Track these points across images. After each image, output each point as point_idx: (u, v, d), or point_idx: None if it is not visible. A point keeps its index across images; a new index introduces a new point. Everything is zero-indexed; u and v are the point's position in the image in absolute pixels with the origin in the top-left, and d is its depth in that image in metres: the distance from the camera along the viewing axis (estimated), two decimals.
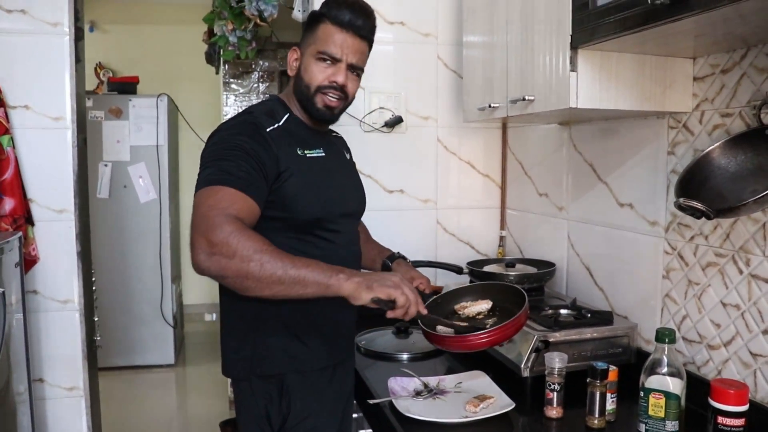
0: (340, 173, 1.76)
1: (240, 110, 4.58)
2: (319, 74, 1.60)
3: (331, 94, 1.62)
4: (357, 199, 1.80)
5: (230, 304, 1.65)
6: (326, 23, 1.59)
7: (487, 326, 1.60)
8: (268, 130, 1.55)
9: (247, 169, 1.44)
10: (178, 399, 4.65)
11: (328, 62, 1.60)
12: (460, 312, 1.76)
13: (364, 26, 1.61)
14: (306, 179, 1.57)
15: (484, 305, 1.75)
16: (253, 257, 1.30)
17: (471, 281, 2.26)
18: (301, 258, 1.36)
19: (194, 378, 4.94)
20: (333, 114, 1.66)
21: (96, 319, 3.11)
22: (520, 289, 1.68)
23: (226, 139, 1.51)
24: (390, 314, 1.42)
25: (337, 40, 1.59)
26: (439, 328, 1.61)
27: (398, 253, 1.91)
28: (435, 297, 1.77)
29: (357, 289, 1.35)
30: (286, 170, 1.53)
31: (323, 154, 1.66)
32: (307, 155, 1.61)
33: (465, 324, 1.64)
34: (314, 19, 1.62)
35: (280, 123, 1.60)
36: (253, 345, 1.61)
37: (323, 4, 1.62)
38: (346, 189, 1.76)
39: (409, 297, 1.40)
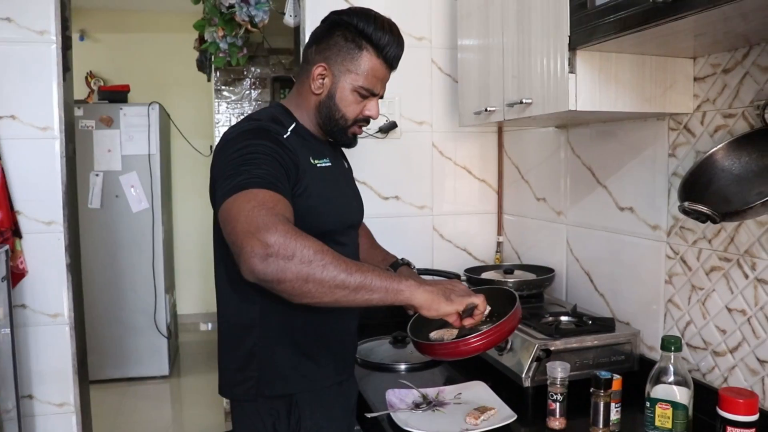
0: (345, 183, 1.71)
1: (233, 117, 4.55)
2: (357, 107, 1.55)
3: (363, 125, 1.61)
4: (359, 209, 1.76)
5: (231, 318, 1.57)
6: (371, 54, 1.51)
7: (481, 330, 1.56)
8: (284, 136, 1.47)
9: (275, 173, 1.34)
10: (173, 411, 4.59)
11: (367, 96, 1.55)
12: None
13: (400, 58, 1.57)
14: (320, 191, 1.50)
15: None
16: (314, 259, 1.18)
17: (468, 286, 2.22)
18: (363, 263, 1.27)
19: (189, 389, 4.88)
20: (356, 142, 1.66)
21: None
22: (511, 291, 1.62)
23: (246, 146, 1.38)
24: (468, 322, 1.39)
25: (381, 76, 1.55)
26: (432, 335, 1.57)
27: (403, 259, 1.86)
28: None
29: (433, 299, 1.30)
30: (301, 180, 1.45)
31: (330, 164, 1.59)
32: (318, 165, 1.54)
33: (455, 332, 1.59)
34: (353, 39, 1.51)
35: (289, 130, 1.52)
36: (260, 365, 1.53)
37: (363, 22, 1.50)
38: (351, 199, 1.72)
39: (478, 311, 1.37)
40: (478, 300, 1.37)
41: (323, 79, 1.54)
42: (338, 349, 1.64)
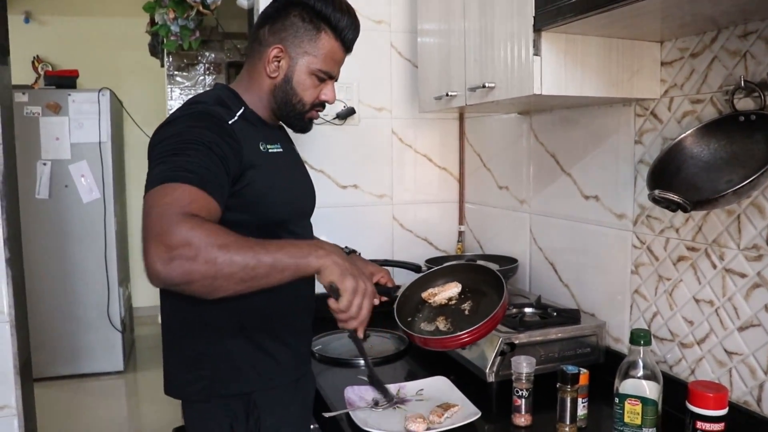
0: (297, 170, 1.64)
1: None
2: (314, 91, 1.50)
3: (319, 110, 1.56)
4: (312, 197, 1.68)
5: (177, 316, 1.49)
6: (330, 36, 1.47)
7: (465, 311, 1.59)
8: (229, 122, 1.38)
9: (208, 164, 1.25)
10: (129, 407, 4.46)
11: (324, 79, 1.50)
12: (429, 300, 1.67)
13: (356, 41, 1.53)
14: (270, 178, 1.43)
15: (454, 289, 1.66)
16: (218, 254, 1.12)
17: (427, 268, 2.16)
18: (272, 241, 1.21)
19: (146, 384, 4.75)
20: (311, 126, 1.59)
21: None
22: (489, 268, 1.58)
23: (181, 132, 1.30)
24: (333, 305, 1.27)
25: (339, 59, 1.51)
26: (423, 326, 1.58)
27: (346, 247, 1.80)
28: (398, 295, 1.67)
29: (331, 266, 1.23)
30: (250, 167, 1.37)
31: (281, 150, 1.52)
32: (269, 151, 1.47)
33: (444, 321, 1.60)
34: (311, 20, 1.45)
35: (237, 115, 1.43)
36: (214, 363, 1.45)
37: (321, 2, 1.44)
38: (303, 186, 1.64)
39: (353, 310, 1.27)
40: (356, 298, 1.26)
41: (279, 61, 1.46)
42: (295, 344, 1.57)
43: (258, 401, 1.48)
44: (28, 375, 2.51)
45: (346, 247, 1.80)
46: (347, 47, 1.51)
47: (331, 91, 1.53)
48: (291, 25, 1.45)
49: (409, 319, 1.67)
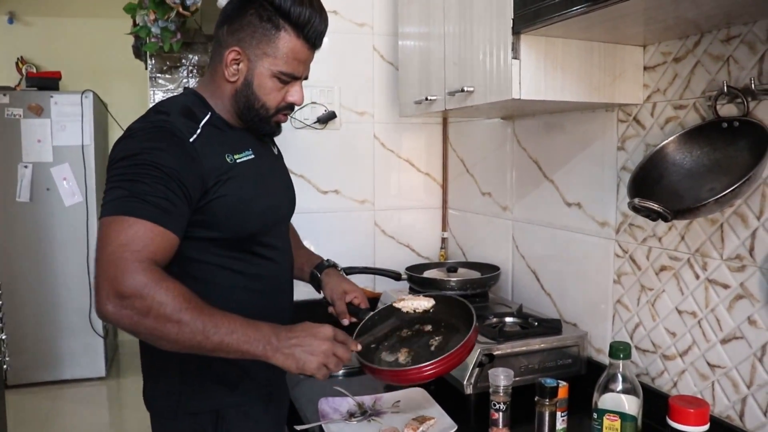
0: (272, 175, 1.54)
1: None
2: (278, 94, 1.40)
3: (287, 113, 1.47)
4: (289, 202, 1.61)
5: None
6: (290, 34, 1.35)
7: (432, 347, 1.48)
8: (191, 140, 1.30)
9: (165, 193, 1.21)
10: (111, 414, 4.39)
11: (288, 81, 1.40)
12: (398, 306, 1.58)
13: (324, 35, 1.42)
14: (237, 192, 1.36)
15: (425, 302, 1.56)
16: (170, 318, 1.14)
17: (410, 287, 2.12)
18: (226, 317, 1.20)
19: (128, 391, 4.68)
20: (280, 129, 1.51)
21: (3, 337, 2.86)
22: (467, 304, 1.51)
23: (139, 154, 1.24)
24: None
25: (303, 58, 1.40)
26: (384, 356, 1.48)
27: (328, 260, 1.73)
28: (369, 317, 1.60)
29: (287, 365, 1.24)
30: (214, 185, 1.31)
31: (252, 156, 1.43)
32: (237, 161, 1.38)
33: (405, 354, 1.49)
34: (269, 18, 1.34)
35: (202, 125, 1.34)
36: (183, 376, 1.40)
37: (281, 1, 1.33)
38: (279, 193, 1.56)
39: (331, 370, 1.28)
40: (320, 374, 1.27)
41: (237, 64, 1.37)
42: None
43: (228, 416, 1.43)
44: (0, 382, 2.45)
45: (327, 260, 1.74)
46: (313, 44, 1.40)
47: (298, 93, 1.43)
48: (248, 25, 1.35)
49: (372, 345, 1.56)
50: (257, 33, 1.35)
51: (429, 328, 1.56)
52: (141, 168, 1.22)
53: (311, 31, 1.37)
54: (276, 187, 1.55)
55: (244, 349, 1.20)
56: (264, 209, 1.45)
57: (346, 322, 1.63)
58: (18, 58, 5.54)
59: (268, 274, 1.48)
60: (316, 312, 1.61)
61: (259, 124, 1.45)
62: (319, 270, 1.70)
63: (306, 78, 1.46)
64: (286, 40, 1.36)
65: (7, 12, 5.51)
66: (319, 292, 1.71)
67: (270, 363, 1.23)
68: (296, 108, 1.50)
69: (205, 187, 1.30)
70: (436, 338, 1.51)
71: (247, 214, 1.39)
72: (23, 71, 5.46)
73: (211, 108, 1.41)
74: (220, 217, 1.33)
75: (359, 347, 1.38)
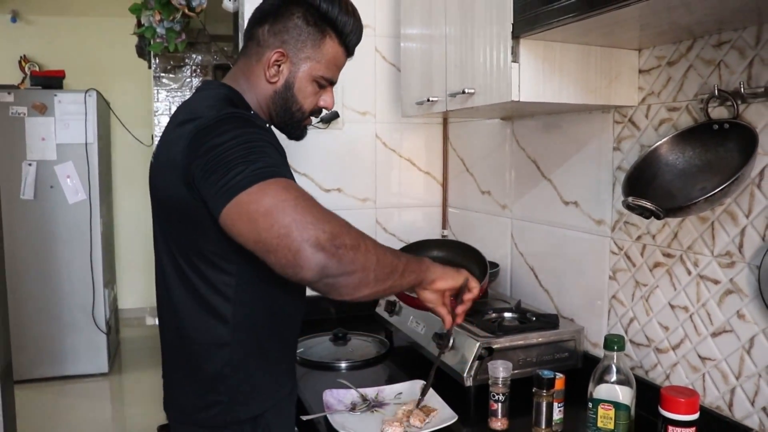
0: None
1: (172, 106, 4.41)
2: (313, 98, 1.42)
3: (315, 117, 1.49)
4: None
5: (197, 336, 1.34)
6: (334, 41, 1.38)
7: None
8: (267, 125, 1.32)
9: (283, 162, 1.22)
10: (113, 409, 4.44)
11: (325, 86, 1.42)
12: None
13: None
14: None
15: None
16: (373, 246, 1.13)
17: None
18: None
19: (130, 386, 4.73)
20: (306, 133, 1.51)
21: None
22: (479, 251, 1.81)
23: (240, 134, 1.15)
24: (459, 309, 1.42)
25: (341, 64, 1.43)
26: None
27: None
28: None
29: (447, 271, 1.34)
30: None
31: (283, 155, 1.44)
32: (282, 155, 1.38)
33: None
34: (315, 23, 1.35)
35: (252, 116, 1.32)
36: (230, 386, 1.34)
37: (328, 3, 1.34)
38: None
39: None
40: (474, 283, 1.39)
41: (279, 66, 1.36)
42: (291, 354, 1.52)
43: (267, 419, 1.40)
44: (8, 377, 2.50)
45: None
46: (350, 52, 1.43)
47: (331, 97, 1.45)
48: (294, 27, 1.34)
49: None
50: (302, 36, 1.35)
51: None
52: (248, 145, 1.14)
53: (352, 39, 1.41)
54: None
55: (416, 267, 1.26)
56: None
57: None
58: (21, 57, 5.58)
59: None
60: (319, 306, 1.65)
61: (291, 127, 1.45)
62: None
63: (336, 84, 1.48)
64: (330, 46, 1.37)
65: (10, 11, 5.55)
66: None
67: (431, 277, 1.31)
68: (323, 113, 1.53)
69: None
70: None
71: None
72: (26, 70, 5.50)
73: (250, 105, 1.39)
74: None
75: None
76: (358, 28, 1.41)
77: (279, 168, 1.13)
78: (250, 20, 1.42)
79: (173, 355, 1.43)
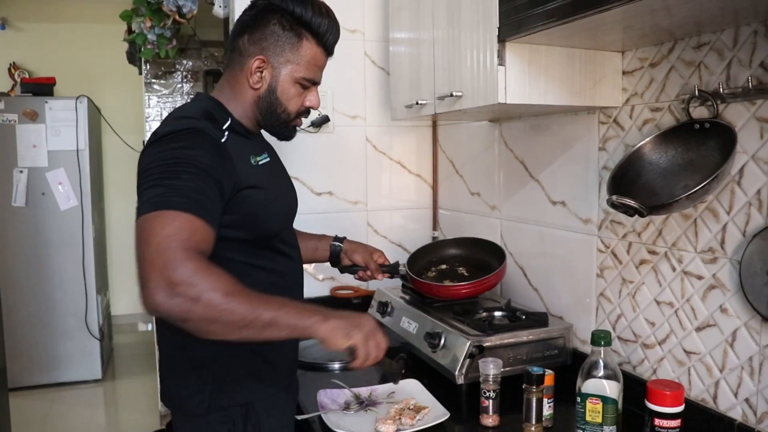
0: (283, 177, 1.62)
1: (164, 111, 4.42)
2: (298, 99, 1.48)
3: (304, 117, 1.55)
4: (296, 202, 1.68)
5: (177, 336, 1.40)
6: (311, 42, 1.45)
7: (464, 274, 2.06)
8: (222, 141, 1.35)
9: (203, 188, 1.24)
10: (107, 416, 4.43)
11: (308, 87, 1.49)
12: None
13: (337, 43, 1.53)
14: (263, 193, 1.42)
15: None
16: (221, 302, 1.14)
17: (402, 285, 2.19)
18: (273, 298, 1.23)
19: (124, 392, 4.73)
20: (296, 133, 1.57)
21: None
22: (494, 242, 2.02)
23: (174, 151, 1.27)
24: (351, 365, 1.33)
25: (321, 64, 1.49)
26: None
27: (336, 236, 1.93)
28: (402, 268, 2.03)
29: (334, 334, 1.25)
30: (244, 187, 1.36)
31: (269, 159, 1.51)
32: (259, 163, 1.45)
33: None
34: (291, 27, 1.42)
35: (225, 129, 1.39)
36: (214, 374, 1.42)
37: (300, 7, 1.42)
38: (290, 193, 1.63)
39: (371, 353, 1.31)
40: (363, 353, 1.30)
41: (261, 72, 1.43)
42: (287, 348, 1.56)
43: (256, 407, 1.46)
44: (3, 383, 2.51)
45: (335, 236, 1.93)
46: (329, 51, 1.50)
47: (315, 97, 1.52)
48: (271, 34, 1.42)
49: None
50: (280, 41, 1.42)
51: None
52: (177, 166, 1.24)
53: (329, 39, 1.47)
54: (288, 188, 1.62)
55: (293, 323, 1.22)
56: (283, 208, 1.53)
57: (380, 278, 1.93)
58: (11, 64, 5.58)
59: (287, 270, 1.54)
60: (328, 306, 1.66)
61: (279, 128, 1.52)
62: (339, 241, 1.91)
63: (319, 84, 1.54)
64: (308, 48, 1.44)
65: (0, 18, 5.55)
66: (334, 265, 1.95)
67: (317, 337, 1.24)
68: (311, 112, 1.59)
69: (236, 187, 1.34)
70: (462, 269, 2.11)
71: (270, 213, 1.45)
72: (16, 77, 5.50)
73: (230, 114, 1.46)
74: (248, 217, 1.38)
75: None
76: (333, 28, 1.47)
77: (184, 197, 1.20)
78: (232, 33, 1.50)
79: (164, 346, 1.49)
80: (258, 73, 1.43)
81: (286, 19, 1.42)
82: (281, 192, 1.55)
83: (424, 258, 2.16)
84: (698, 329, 1.45)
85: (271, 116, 1.48)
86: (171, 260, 1.13)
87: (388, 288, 2.25)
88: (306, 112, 1.53)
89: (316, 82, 1.50)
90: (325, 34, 1.45)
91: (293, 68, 1.44)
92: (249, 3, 1.48)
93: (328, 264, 1.95)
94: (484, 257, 2.08)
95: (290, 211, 1.61)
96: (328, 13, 1.46)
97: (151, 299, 1.12)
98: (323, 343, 1.25)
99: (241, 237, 1.40)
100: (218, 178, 1.28)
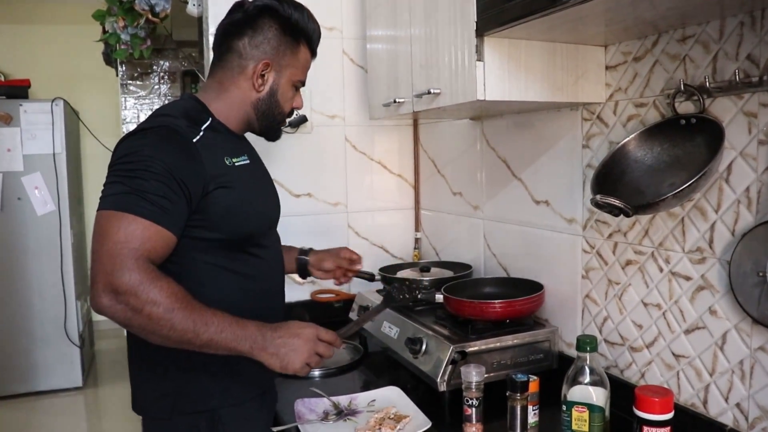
0: (264, 180, 1.62)
1: (141, 114, 4.35)
2: (291, 101, 1.56)
3: (288, 118, 1.63)
4: (278, 207, 1.66)
5: (142, 340, 1.39)
6: (305, 49, 1.53)
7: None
8: (194, 140, 1.35)
9: (165, 191, 1.26)
10: (89, 424, 4.35)
11: (299, 88, 1.57)
12: None
13: None
14: (237, 193, 1.41)
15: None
16: (163, 317, 1.20)
17: (383, 288, 2.13)
18: (216, 316, 1.26)
19: (106, 400, 4.64)
20: (281, 134, 1.65)
21: None
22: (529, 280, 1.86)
23: (144, 152, 1.28)
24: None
25: (309, 66, 1.58)
26: None
27: (303, 247, 1.91)
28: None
29: (271, 362, 1.31)
30: (215, 187, 1.36)
31: (248, 161, 1.51)
32: (235, 164, 1.44)
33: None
34: (291, 33, 1.49)
35: (203, 128, 1.40)
36: (177, 379, 1.42)
37: (298, 14, 1.49)
38: (271, 197, 1.63)
39: (314, 364, 1.37)
40: (304, 371, 1.36)
41: (267, 77, 1.48)
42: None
43: (223, 417, 1.44)
44: None
45: (301, 248, 1.88)
46: (315, 55, 1.58)
47: (300, 99, 1.59)
48: (273, 38, 1.47)
49: None
50: (282, 47, 1.48)
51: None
52: (142, 165, 1.26)
53: (316, 44, 1.56)
54: (268, 192, 1.61)
55: (231, 347, 1.27)
56: (260, 211, 1.52)
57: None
58: None
59: (262, 275, 1.53)
60: (293, 313, 1.63)
61: (272, 129, 1.58)
62: (305, 255, 1.88)
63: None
64: (304, 52, 1.53)
65: None
66: (304, 278, 1.93)
67: (255, 360, 1.30)
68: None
69: (206, 187, 1.34)
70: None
71: (245, 215, 1.44)
72: None
73: (212, 114, 1.47)
74: (220, 217, 1.37)
75: (342, 346, 1.45)
76: (319, 32, 1.57)
77: (144, 201, 1.24)
78: (225, 33, 1.50)
79: (131, 350, 1.50)
80: (263, 78, 1.48)
81: (287, 25, 1.48)
82: (258, 195, 1.53)
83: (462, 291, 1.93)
84: (687, 332, 1.41)
85: (267, 117, 1.52)
86: (119, 267, 1.18)
87: (369, 292, 2.19)
88: (291, 113, 1.60)
89: (304, 84, 1.59)
90: (316, 39, 1.55)
91: (292, 72, 1.51)
92: (234, 3, 1.51)
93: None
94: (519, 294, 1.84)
95: (268, 215, 1.58)
96: (315, 20, 1.54)
97: (97, 300, 1.19)
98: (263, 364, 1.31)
99: (213, 238, 1.39)
100: (183, 179, 1.29)
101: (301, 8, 1.50)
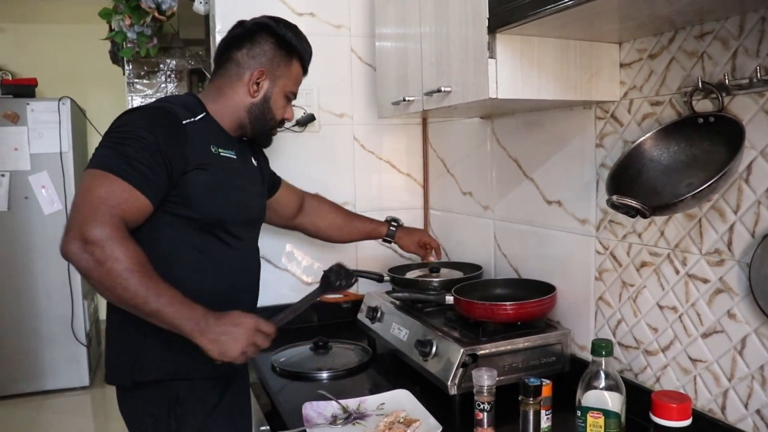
0: (248, 179, 1.72)
1: None
2: (282, 111, 1.70)
3: (279, 127, 1.77)
4: (260, 208, 1.76)
5: (113, 307, 1.50)
6: (297, 65, 1.70)
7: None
8: (185, 122, 1.50)
9: (149, 161, 1.39)
10: (95, 423, 4.35)
11: (291, 99, 1.72)
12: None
13: None
14: (215, 178, 1.54)
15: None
16: (121, 275, 1.28)
17: (393, 288, 2.11)
18: (169, 290, 1.35)
19: (113, 399, 4.53)
20: (271, 141, 1.80)
21: None
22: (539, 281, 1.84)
23: (135, 124, 1.44)
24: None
25: (300, 81, 1.74)
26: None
27: (388, 217, 2.22)
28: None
29: (210, 348, 1.37)
30: (196, 166, 1.49)
31: (234, 156, 1.63)
32: (220, 153, 1.58)
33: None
34: (285, 48, 1.65)
35: (197, 118, 1.55)
36: (134, 349, 1.53)
37: (291, 33, 1.66)
38: (253, 194, 1.74)
39: (250, 354, 1.43)
40: (240, 359, 1.42)
41: (261, 85, 1.64)
42: None
43: (179, 395, 1.54)
44: None
45: (388, 217, 2.24)
46: (306, 72, 1.75)
47: (291, 110, 1.75)
48: (269, 50, 1.64)
49: None
50: (276, 59, 1.65)
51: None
52: (133, 134, 1.40)
53: (308, 63, 1.74)
54: (250, 190, 1.71)
55: (176, 324, 1.35)
56: (237, 201, 1.62)
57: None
58: None
59: (232, 263, 1.63)
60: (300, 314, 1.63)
61: (263, 135, 1.73)
62: (394, 226, 2.20)
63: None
64: (296, 67, 1.70)
65: None
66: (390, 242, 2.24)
67: (194, 340, 1.36)
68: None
69: (186, 166, 1.46)
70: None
71: (221, 199, 1.55)
72: None
73: (207, 110, 1.61)
74: (194, 197, 1.49)
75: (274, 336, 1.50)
76: (311, 53, 1.74)
77: (128, 166, 1.36)
78: (225, 45, 1.68)
79: (106, 322, 1.61)
80: (257, 85, 1.64)
81: (281, 41, 1.65)
82: (237, 188, 1.63)
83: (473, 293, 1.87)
84: (704, 335, 1.37)
85: (259, 122, 1.67)
86: (93, 219, 1.28)
87: (377, 292, 2.16)
88: (283, 122, 1.74)
89: (296, 97, 1.75)
90: (308, 58, 1.72)
91: (285, 83, 1.67)
92: (237, 21, 1.70)
93: (315, 267, 2.09)
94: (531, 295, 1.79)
95: (244, 210, 1.67)
96: (306, 41, 1.72)
97: (66, 245, 1.28)
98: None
99: (186, 215, 1.50)
100: (167, 154, 1.42)
101: (295, 29, 1.68)
